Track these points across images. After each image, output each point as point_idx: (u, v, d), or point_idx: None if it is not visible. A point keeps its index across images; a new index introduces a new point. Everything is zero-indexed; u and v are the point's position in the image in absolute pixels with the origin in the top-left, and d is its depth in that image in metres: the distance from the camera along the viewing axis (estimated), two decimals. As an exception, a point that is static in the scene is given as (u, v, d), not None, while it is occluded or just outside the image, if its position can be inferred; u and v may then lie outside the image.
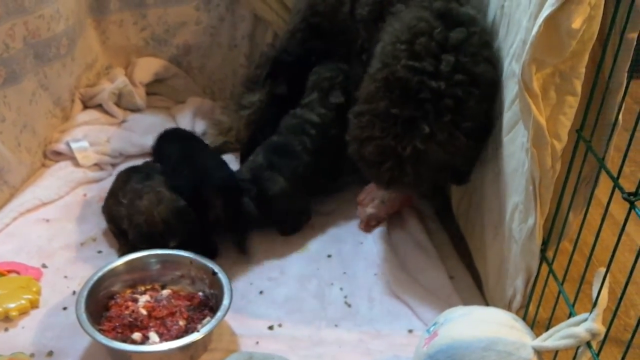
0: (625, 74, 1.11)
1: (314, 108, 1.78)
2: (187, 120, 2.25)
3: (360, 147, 1.43)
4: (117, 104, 2.27)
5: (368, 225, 1.77)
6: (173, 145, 1.79)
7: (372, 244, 1.72)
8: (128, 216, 1.57)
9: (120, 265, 1.48)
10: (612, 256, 1.04)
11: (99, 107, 2.25)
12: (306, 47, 1.89)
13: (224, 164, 1.70)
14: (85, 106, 2.25)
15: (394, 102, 1.33)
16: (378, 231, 1.74)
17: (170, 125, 2.22)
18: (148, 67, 2.35)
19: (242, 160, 1.93)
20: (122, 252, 1.58)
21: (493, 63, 1.33)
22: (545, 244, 1.26)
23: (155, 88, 2.40)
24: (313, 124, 1.75)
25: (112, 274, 1.46)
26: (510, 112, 1.29)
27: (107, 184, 1.79)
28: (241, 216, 1.61)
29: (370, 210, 1.76)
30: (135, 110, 2.30)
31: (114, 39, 2.32)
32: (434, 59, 1.28)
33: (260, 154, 1.74)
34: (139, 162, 1.93)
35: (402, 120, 1.33)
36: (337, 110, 1.72)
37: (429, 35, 1.29)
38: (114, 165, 2.03)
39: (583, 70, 1.11)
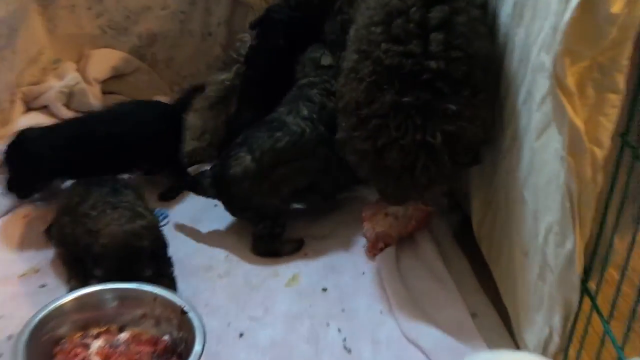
0: (679, 66, 1.12)
1: (308, 73, 1.91)
2: (151, 123, 2.27)
3: (378, 160, 1.46)
4: (67, 106, 2.28)
5: (375, 248, 1.77)
6: None
7: (377, 274, 1.72)
8: (89, 238, 1.57)
9: (69, 302, 1.47)
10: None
11: (45, 109, 2.26)
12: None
13: None
14: (29, 108, 2.26)
15: (400, 91, 1.38)
16: (384, 259, 1.75)
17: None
18: (105, 61, 2.36)
19: None
20: (74, 285, 1.58)
21: (489, 37, 1.43)
22: (586, 272, 1.26)
23: (114, 86, 2.41)
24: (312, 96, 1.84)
25: (59, 313, 1.45)
26: (540, 112, 1.30)
27: (56, 201, 1.80)
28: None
29: (379, 228, 1.77)
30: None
31: (63, 27, 2.33)
32: (418, 40, 1.37)
33: (243, 134, 1.81)
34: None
35: (418, 107, 1.38)
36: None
37: (405, 16, 1.40)
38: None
39: (626, 62, 1.11)
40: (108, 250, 1.53)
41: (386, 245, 1.77)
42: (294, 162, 1.76)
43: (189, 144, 2.14)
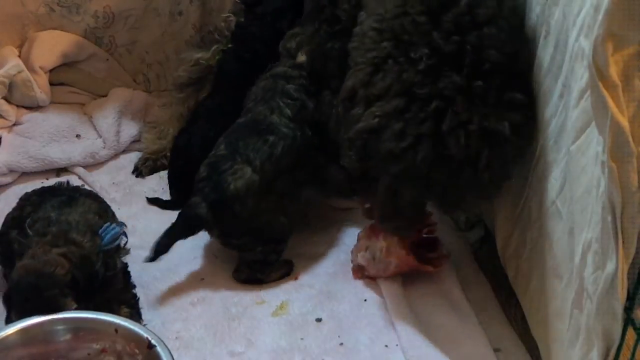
0: None
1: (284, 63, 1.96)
2: (110, 121, 2.28)
3: (437, 147, 1.51)
4: (7, 99, 2.28)
5: (357, 274, 1.82)
6: None
7: (381, 301, 1.74)
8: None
9: (12, 334, 1.48)
10: None
11: (-20, 103, 2.27)
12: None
13: None
14: (-40, 102, 2.27)
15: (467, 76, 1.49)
16: (389, 283, 1.76)
17: (84, 128, 2.25)
18: (52, 46, 2.37)
19: (172, 180, 2.05)
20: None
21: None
22: (631, 299, 1.27)
23: (64, 75, 2.42)
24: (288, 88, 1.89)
25: (1, 347, 1.46)
26: (578, 109, 1.32)
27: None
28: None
29: (360, 260, 1.80)
30: (34, 107, 2.32)
31: (1, 4, 2.33)
32: (473, 32, 1.53)
33: (222, 144, 1.82)
34: (40, 181, 1.95)
35: (486, 92, 1.51)
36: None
37: (455, 9, 1.56)
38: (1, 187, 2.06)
39: (681, 49, 1.14)
40: (16, 287, 1.54)
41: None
42: (292, 172, 1.80)
43: (155, 143, 2.15)
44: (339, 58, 1.83)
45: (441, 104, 1.52)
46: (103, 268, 1.61)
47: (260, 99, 1.90)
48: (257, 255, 1.80)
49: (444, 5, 1.57)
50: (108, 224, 1.68)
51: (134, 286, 1.72)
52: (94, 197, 1.78)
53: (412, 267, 1.78)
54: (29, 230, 1.63)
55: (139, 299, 1.70)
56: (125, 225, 1.74)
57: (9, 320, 1.53)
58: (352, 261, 1.84)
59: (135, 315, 1.63)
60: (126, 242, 1.72)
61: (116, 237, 1.67)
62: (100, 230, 1.66)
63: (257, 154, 1.76)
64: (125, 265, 1.71)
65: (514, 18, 1.61)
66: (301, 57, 1.96)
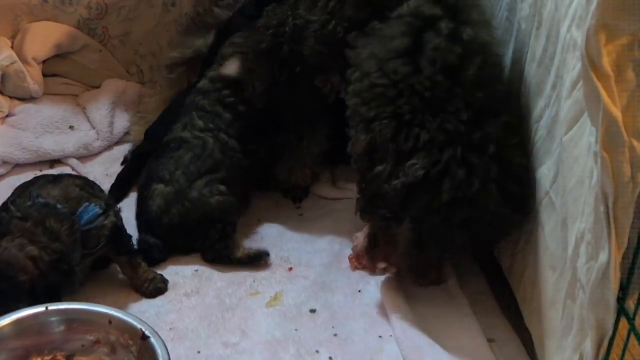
0: None
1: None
2: (104, 112, 2.28)
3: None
4: (0, 91, 2.28)
5: (358, 261, 1.80)
6: None
7: (376, 292, 1.74)
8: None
9: (6, 326, 1.48)
10: None
11: (-27, 94, 2.26)
12: None
13: None
14: (-48, 93, 2.27)
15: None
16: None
17: (77, 119, 2.24)
18: (45, 37, 2.36)
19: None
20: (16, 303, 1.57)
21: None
22: (623, 290, 1.27)
23: (57, 66, 2.42)
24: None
25: (-6, 339, 1.46)
26: (570, 100, 1.32)
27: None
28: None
29: (363, 244, 1.79)
30: (27, 98, 2.32)
31: (-6, -6, 2.33)
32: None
33: (143, 175, 1.98)
34: (33, 172, 1.95)
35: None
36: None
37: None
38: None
39: (674, 39, 1.14)
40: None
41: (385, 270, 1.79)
42: (213, 172, 1.91)
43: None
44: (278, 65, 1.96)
45: (493, 148, 1.56)
46: (80, 251, 1.63)
47: (181, 115, 2.01)
48: (214, 235, 1.86)
49: (459, 65, 1.61)
50: (87, 204, 1.69)
51: (130, 236, 1.79)
52: (80, 177, 1.82)
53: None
54: (11, 206, 1.64)
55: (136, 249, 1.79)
56: (114, 205, 1.78)
57: None
58: (352, 248, 1.82)
59: (134, 259, 1.74)
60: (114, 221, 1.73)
61: (94, 218, 1.68)
62: (78, 211, 1.66)
63: (167, 169, 1.89)
64: (115, 223, 1.74)
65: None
66: (230, 67, 2.01)
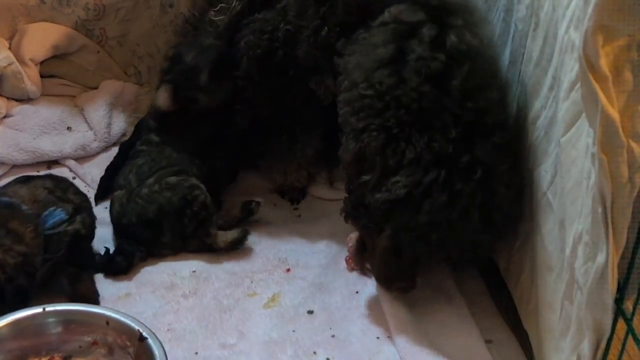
0: None
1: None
2: (101, 113, 2.28)
3: None
4: (-2, 91, 2.29)
5: (350, 265, 1.81)
6: None
7: (373, 293, 1.74)
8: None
9: (4, 327, 1.48)
10: None
11: (-30, 95, 2.26)
12: None
13: None
14: (-50, 94, 2.26)
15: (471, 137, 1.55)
16: (382, 275, 1.77)
17: (75, 121, 2.24)
18: (43, 38, 2.36)
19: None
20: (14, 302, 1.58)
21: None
22: (621, 291, 1.27)
23: (54, 67, 2.42)
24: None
25: (-8, 340, 1.46)
26: (568, 101, 1.32)
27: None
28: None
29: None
30: (25, 99, 2.31)
31: (-8, -5, 2.33)
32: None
33: None
34: (31, 173, 1.94)
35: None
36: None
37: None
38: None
39: (671, 41, 1.14)
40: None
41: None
42: (163, 169, 1.93)
43: None
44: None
45: (480, 172, 1.54)
46: (42, 255, 1.62)
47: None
48: (191, 223, 1.86)
49: (445, 73, 1.59)
50: (53, 208, 1.69)
51: (90, 249, 1.80)
52: (54, 177, 1.83)
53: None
54: None
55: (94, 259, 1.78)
56: (85, 212, 1.78)
57: None
58: (347, 249, 1.83)
59: (82, 273, 1.71)
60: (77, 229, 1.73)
61: (59, 223, 1.67)
62: (43, 215, 1.66)
63: (122, 174, 1.96)
64: (78, 231, 1.73)
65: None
66: (162, 100, 2.03)
